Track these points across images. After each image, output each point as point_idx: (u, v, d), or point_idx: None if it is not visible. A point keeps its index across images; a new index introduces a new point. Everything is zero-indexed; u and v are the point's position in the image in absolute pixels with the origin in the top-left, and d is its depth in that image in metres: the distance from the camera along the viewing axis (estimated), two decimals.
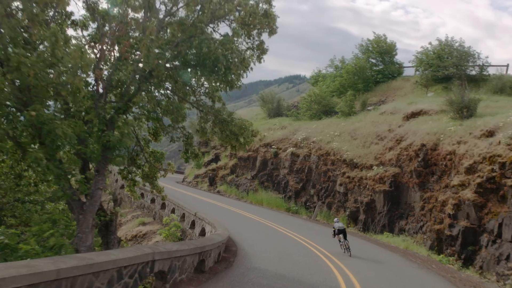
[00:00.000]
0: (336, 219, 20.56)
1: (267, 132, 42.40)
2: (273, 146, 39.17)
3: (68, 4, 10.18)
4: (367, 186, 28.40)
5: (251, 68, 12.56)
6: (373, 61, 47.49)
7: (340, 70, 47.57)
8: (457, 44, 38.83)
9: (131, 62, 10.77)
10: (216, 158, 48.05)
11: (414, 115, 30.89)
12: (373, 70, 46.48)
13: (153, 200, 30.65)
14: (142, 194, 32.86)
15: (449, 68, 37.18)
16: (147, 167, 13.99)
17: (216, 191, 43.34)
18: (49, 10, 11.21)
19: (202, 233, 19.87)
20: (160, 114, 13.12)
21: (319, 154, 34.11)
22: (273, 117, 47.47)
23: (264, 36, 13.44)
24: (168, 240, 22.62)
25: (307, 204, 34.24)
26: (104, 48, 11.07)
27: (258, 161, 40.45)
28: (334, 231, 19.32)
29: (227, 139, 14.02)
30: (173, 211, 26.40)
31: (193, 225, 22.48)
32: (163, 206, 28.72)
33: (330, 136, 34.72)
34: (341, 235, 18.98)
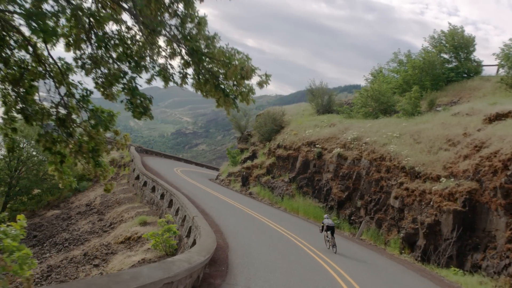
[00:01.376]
0: (326, 215, 21.05)
1: (312, 129, 36.42)
2: (317, 145, 33.11)
3: None
4: (431, 203, 21.82)
5: None
6: (446, 56, 40.27)
7: (405, 65, 40.76)
8: None
9: None
10: (253, 156, 42.48)
11: (499, 117, 23.90)
12: (444, 67, 39.25)
13: (162, 196, 25.46)
14: (153, 188, 27.79)
15: None
16: (84, 136, 8.65)
17: (248, 193, 37.77)
18: None
19: (194, 245, 14.35)
20: None
21: (372, 158, 27.72)
22: (322, 113, 41.32)
23: None
24: (157, 250, 17.20)
25: (352, 218, 27.93)
26: None
27: (298, 162, 34.50)
28: (323, 227, 19.72)
29: (206, 86, 8.13)
30: (177, 212, 21.05)
31: (189, 232, 17.01)
32: (170, 204, 23.45)
33: (387, 138, 28.23)
34: (329, 232, 19.42)
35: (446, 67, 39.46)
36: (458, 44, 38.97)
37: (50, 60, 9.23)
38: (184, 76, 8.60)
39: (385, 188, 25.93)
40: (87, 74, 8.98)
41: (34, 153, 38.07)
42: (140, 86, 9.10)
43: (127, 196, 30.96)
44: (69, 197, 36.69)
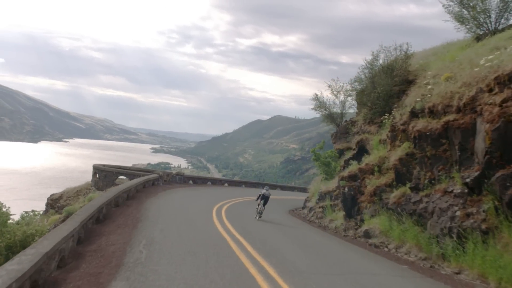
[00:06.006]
0: (266, 187, 21.83)
1: (490, 54, 14.30)
2: None
3: None
4: None
5: None
6: None
7: None
8: None
9: None
10: (360, 151, 20.91)
11: None
12: None
13: None
14: None
15: None
16: None
17: (362, 234, 16.36)
18: None
19: None
20: None
21: None
22: (492, 34, 18.72)
23: None
24: None
25: None
26: None
27: (480, 137, 12.56)
28: (260, 195, 20.34)
29: None
30: None
31: None
32: None
33: None
34: (262, 201, 20.13)
35: None
36: None
37: None
38: None
39: None
40: None
41: None
42: None
43: None
44: None
